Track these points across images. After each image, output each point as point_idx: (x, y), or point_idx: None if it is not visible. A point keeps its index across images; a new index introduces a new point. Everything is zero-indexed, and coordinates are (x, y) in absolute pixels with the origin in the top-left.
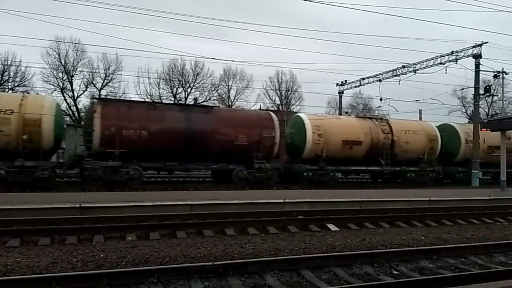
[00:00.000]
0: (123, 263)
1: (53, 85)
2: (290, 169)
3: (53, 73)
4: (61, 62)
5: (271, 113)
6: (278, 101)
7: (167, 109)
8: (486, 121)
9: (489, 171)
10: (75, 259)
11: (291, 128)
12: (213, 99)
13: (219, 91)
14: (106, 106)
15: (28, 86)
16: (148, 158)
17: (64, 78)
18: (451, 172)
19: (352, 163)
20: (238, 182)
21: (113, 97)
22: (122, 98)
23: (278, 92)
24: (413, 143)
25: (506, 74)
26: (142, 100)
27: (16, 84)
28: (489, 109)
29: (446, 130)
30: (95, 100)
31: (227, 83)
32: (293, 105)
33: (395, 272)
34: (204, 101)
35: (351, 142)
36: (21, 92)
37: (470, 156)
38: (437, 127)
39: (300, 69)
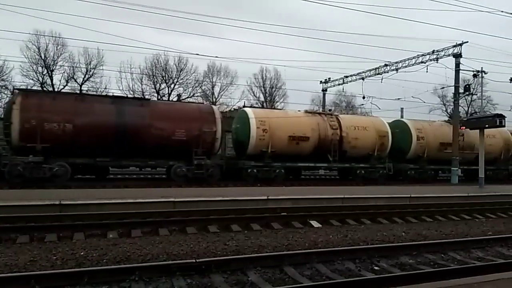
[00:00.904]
0: (104, 261)
1: (32, 79)
2: (235, 165)
3: (32, 67)
4: (40, 56)
5: (214, 107)
6: (262, 98)
7: (97, 102)
8: (465, 119)
9: (441, 168)
10: (55, 257)
11: (237, 123)
12: (197, 96)
13: (203, 88)
14: (27, 98)
15: (7, 81)
16: (76, 154)
17: (44, 73)
18: (403, 169)
19: (300, 160)
20: (176, 179)
21: (36, 89)
22: (104, 92)
23: (262, 89)
24: (362, 139)
25: (485, 73)
26: (71, 91)
27: None
28: (468, 107)
29: (399, 127)
30: (15, 91)
31: (211, 80)
32: (277, 102)
33: (376, 268)
34: (187, 97)
35: (297, 138)
36: None
37: (422, 153)
38: (390, 123)
39: (285, 66)
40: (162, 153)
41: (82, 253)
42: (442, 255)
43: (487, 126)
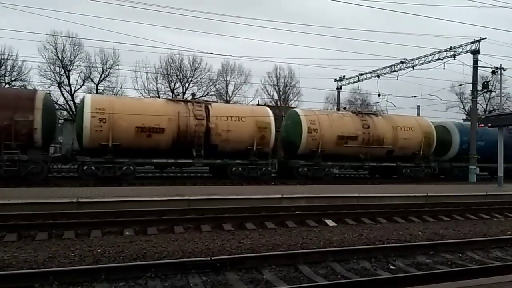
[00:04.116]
0: (121, 258)
1: (50, 79)
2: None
3: (50, 67)
4: (58, 57)
5: (39, 92)
6: (276, 97)
7: None
8: (483, 117)
9: (343, 164)
10: (73, 254)
11: (78, 112)
12: (211, 94)
13: (217, 86)
14: None
15: (25, 81)
16: None
17: (61, 73)
18: (294, 165)
19: (155, 155)
20: None
21: None
22: (119, 93)
23: (276, 87)
24: (237, 131)
25: (504, 70)
26: None
27: (12, 79)
28: (487, 105)
29: (291, 118)
30: None
31: (225, 78)
32: (291, 100)
33: (392, 267)
34: (202, 96)
35: (148, 129)
36: (17, 87)
37: (315, 147)
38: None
39: (299, 64)
40: None
41: (99, 250)
42: (460, 254)
43: (506, 124)
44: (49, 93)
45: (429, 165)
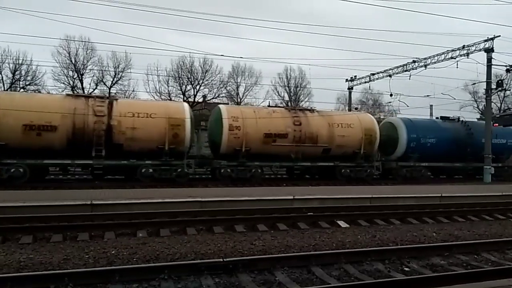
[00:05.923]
0: (134, 259)
1: (63, 83)
2: None
3: (63, 71)
4: (71, 61)
5: None
6: (287, 98)
7: None
8: (498, 115)
9: (271, 165)
10: (87, 256)
11: None
12: (222, 96)
13: (228, 88)
14: None
15: (39, 85)
16: None
17: (74, 77)
18: (216, 166)
19: (50, 156)
20: None
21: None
22: (132, 96)
23: (287, 88)
24: (144, 129)
25: None
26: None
27: (27, 83)
28: (501, 104)
29: (214, 115)
30: None
31: (235, 80)
32: (302, 101)
33: (406, 269)
34: (213, 98)
35: (38, 127)
36: (32, 91)
37: (239, 146)
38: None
39: (309, 65)
40: None
41: (113, 252)
42: (475, 256)
43: None
44: None
45: (372, 164)
